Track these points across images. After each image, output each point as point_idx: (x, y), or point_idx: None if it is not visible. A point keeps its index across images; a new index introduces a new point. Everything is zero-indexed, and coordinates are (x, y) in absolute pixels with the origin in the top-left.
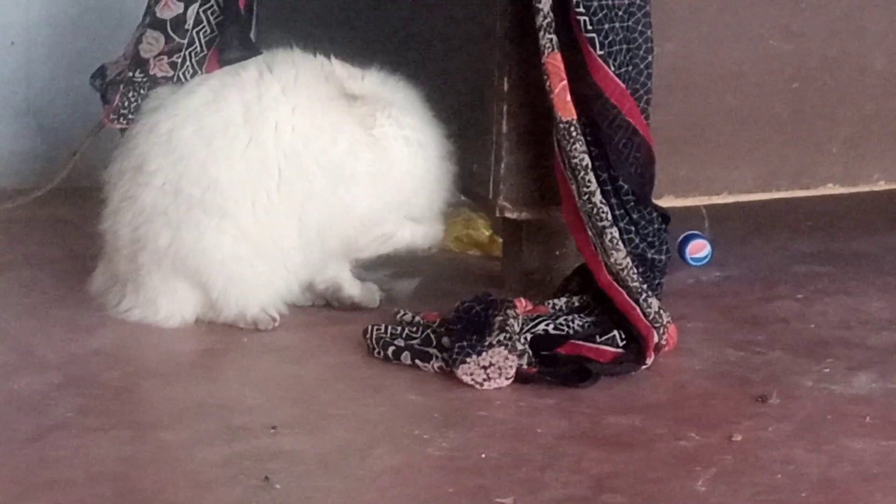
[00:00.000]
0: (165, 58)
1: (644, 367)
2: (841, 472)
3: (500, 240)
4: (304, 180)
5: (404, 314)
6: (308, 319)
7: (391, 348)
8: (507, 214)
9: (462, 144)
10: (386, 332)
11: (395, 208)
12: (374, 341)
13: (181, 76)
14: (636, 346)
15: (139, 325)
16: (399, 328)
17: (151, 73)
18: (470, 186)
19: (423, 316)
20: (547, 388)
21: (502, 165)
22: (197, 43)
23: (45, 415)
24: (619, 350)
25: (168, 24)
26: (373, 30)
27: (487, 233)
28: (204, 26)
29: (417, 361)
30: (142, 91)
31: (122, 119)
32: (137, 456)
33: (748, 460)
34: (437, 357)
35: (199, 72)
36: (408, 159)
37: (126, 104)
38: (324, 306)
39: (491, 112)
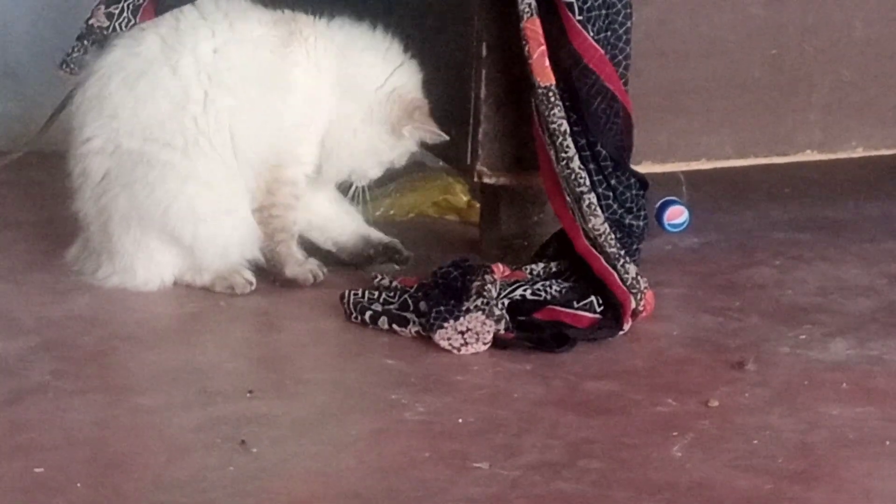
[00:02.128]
0: (103, 7)
1: (621, 332)
2: (817, 438)
3: (478, 205)
4: (230, 96)
5: (381, 279)
6: None
7: (368, 313)
8: (485, 180)
9: (440, 109)
10: (363, 296)
11: (306, 129)
12: (351, 306)
13: (117, 26)
14: (613, 312)
15: (116, 290)
16: (376, 293)
17: (90, 22)
18: (448, 152)
19: (400, 281)
20: (524, 353)
21: (480, 131)
22: None
23: (22, 378)
24: (597, 316)
25: None
26: None
27: (465, 198)
28: None
29: (395, 326)
30: (85, 42)
31: (64, 66)
32: (114, 420)
33: (725, 426)
34: (414, 322)
35: (134, 21)
36: (309, 84)
37: (71, 52)
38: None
39: (469, 77)
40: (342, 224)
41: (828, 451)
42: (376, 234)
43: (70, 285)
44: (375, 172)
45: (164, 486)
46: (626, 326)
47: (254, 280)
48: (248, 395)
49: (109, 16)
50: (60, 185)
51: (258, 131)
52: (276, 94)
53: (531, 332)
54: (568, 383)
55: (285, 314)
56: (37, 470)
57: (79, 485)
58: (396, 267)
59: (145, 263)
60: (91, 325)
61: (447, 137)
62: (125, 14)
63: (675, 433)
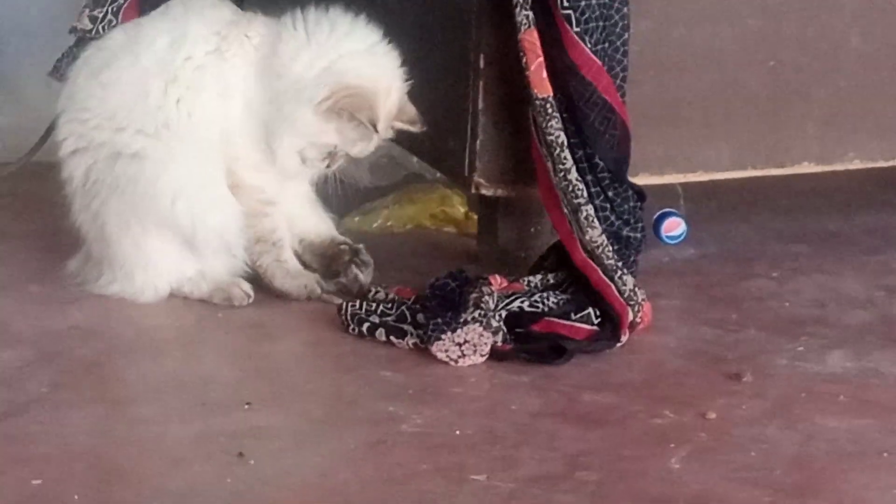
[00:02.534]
0: (87, 10)
1: (619, 344)
2: (815, 451)
3: (476, 217)
4: (185, 90)
5: (377, 292)
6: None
7: (366, 325)
8: (483, 191)
9: (437, 121)
10: (361, 308)
11: (250, 135)
12: (348, 317)
13: (100, 29)
14: (611, 324)
15: (114, 301)
16: (374, 304)
17: (74, 24)
18: (445, 163)
19: (396, 292)
20: (521, 365)
21: (478, 142)
22: None
23: (19, 390)
24: (594, 328)
25: None
26: (349, 4)
27: (463, 209)
28: None
29: (392, 338)
30: (74, 49)
31: (55, 73)
32: (111, 432)
33: (722, 438)
34: (411, 334)
35: (116, 22)
36: (249, 88)
37: (62, 59)
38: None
39: (466, 89)
40: (314, 223)
41: (826, 463)
42: (343, 238)
43: (68, 297)
44: (314, 155)
45: (162, 498)
46: (624, 338)
47: (252, 292)
48: (246, 406)
49: (93, 19)
50: (58, 196)
51: (209, 129)
52: (218, 98)
53: (528, 343)
54: (565, 395)
55: (283, 326)
56: (34, 482)
57: (76, 496)
58: (357, 275)
59: (144, 268)
60: (89, 336)
61: (376, 132)
62: (109, 17)
63: (672, 445)
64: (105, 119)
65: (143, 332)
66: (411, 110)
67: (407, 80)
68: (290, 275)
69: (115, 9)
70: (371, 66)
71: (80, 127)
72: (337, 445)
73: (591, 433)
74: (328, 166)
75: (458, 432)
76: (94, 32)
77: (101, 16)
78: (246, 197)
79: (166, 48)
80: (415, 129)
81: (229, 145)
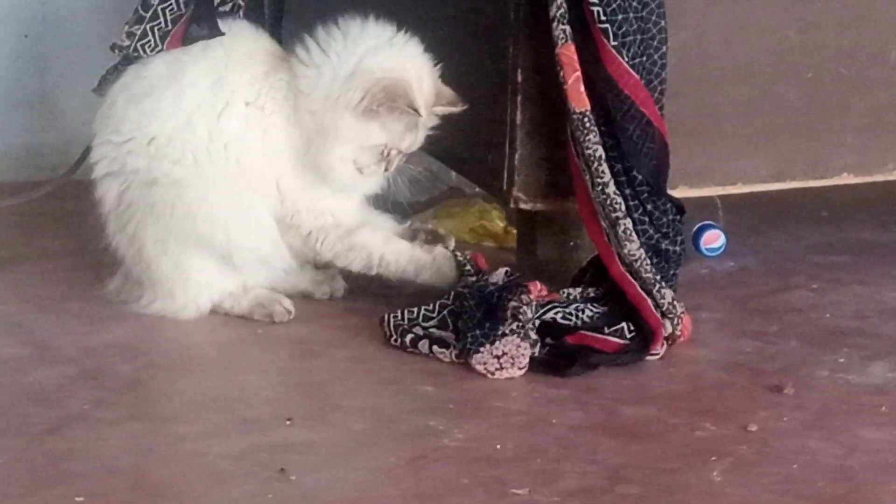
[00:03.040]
0: (126, 27)
1: (648, 356)
2: (857, 463)
3: (515, 231)
4: (226, 133)
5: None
6: (322, 312)
7: (409, 336)
8: (522, 205)
9: (476, 135)
10: (403, 318)
11: (302, 185)
12: (391, 329)
13: (139, 48)
14: (642, 338)
15: (154, 318)
16: (415, 312)
17: (115, 42)
18: (484, 177)
19: (472, 255)
20: (562, 378)
21: (516, 156)
22: (161, 19)
23: (61, 407)
24: (626, 342)
25: None
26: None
27: (502, 224)
28: (171, 4)
29: (435, 349)
30: (119, 66)
31: (99, 89)
32: (152, 449)
33: (763, 451)
34: (454, 345)
35: (161, 47)
36: (292, 143)
37: (106, 76)
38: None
39: (505, 103)
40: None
41: (868, 475)
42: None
43: (109, 314)
44: (368, 159)
45: None
46: (662, 350)
47: (293, 308)
48: (287, 422)
49: (131, 35)
50: (96, 215)
51: (258, 178)
52: (264, 156)
53: (558, 356)
54: (605, 408)
55: (323, 341)
56: (77, 499)
57: None
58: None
59: (184, 286)
60: (130, 353)
61: (420, 115)
62: (149, 37)
63: (713, 458)
64: (141, 145)
65: (183, 349)
66: (448, 92)
67: (436, 65)
68: (418, 268)
69: (160, 33)
70: (394, 56)
71: (113, 150)
72: (378, 461)
73: (632, 446)
74: (386, 169)
75: (498, 446)
76: (131, 49)
77: (139, 33)
78: (324, 244)
79: (207, 90)
80: (457, 109)
81: (287, 198)
